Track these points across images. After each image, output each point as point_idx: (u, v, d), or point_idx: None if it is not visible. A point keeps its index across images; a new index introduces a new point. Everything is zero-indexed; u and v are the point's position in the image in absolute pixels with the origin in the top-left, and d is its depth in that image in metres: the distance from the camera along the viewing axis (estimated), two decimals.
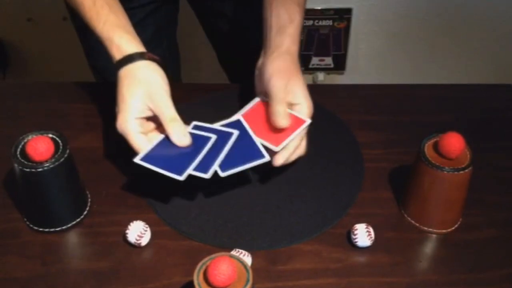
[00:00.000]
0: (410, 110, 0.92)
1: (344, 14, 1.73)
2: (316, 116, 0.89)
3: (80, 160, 0.78)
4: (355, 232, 0.71)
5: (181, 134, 0.73)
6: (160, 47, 1.07)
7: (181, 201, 0.77)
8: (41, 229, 0.73)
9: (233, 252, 0.69)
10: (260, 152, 0.74)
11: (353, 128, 0.88)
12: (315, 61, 1.84)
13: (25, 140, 0.70)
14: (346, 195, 0.78)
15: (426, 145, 0.72)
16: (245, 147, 0.75)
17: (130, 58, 0.75)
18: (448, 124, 0.89)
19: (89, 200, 0.77)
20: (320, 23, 1.76)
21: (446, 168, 0.69)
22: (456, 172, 0.69)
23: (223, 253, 0.59)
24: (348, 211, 0.76)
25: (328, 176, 0.80)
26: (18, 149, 0.69)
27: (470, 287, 0.68)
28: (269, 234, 0.73)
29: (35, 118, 0.90)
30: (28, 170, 0.67)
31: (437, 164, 0.69)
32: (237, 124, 0.78)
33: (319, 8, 1.73)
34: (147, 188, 0.78)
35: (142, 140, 0.73)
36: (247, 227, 0.73)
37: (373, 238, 0.71)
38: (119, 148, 0.83)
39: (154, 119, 0.75)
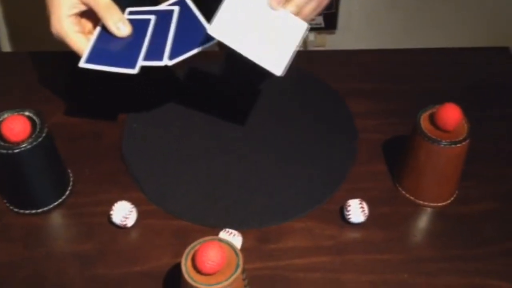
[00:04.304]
0: (406, 77, 0.88)
1: None
2: (306, 85, 0.86)
3: (61, 136, 0.75)
4: (348, 208, 0.69)
5: (119, 21, 0.68)
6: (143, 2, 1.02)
7: (169, 178, 0.74)
8: (22, 211, 0.70)
9: (223, 233, 0.67)
10: (207, 33, 0.66)
11: (346, 97, 0.84)
12: None
13: (0, 120, 0.66)
14: (338, 169, 0.75)
15: (422, 117, 0.69)
16: (191, 30, 0.69)
17: None
18: (445, 91, 0.86)
19: (71, 179, 0.74)
20: None
21: (443, 141, 0.66)
22: (453, 146, 0.66)
23: (212, 237, 0.57)
24: (341, 186, 0.74)
25: (320, 149, 0.77)
26: None
27: (465, 262, 0.67)
28: (259, 212, 0.70)
29: (9, 93, 0.85)
30: (4, 151, 0.64)
31: (434, 137, 0.66)
32: (181, 3, 0.72)
33: None
34: (133, 166, 0.75)
35: (81, 39, 0.68)
36: (237, 206, 0.71)
37: (366, 213, 0.69)
38: (103, 123, 0.79)
39: (90, 17, 0.70)
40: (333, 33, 1.81)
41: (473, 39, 1.81)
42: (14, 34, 1.82)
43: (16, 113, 0.67)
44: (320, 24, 1.79)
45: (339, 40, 1.80)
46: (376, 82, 0.87)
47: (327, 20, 1.78)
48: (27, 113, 0.68)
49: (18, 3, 1.71)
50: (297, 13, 0.65)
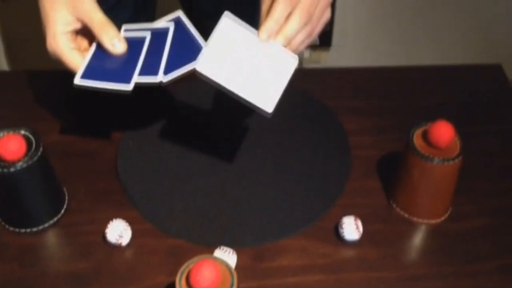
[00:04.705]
0: (399, 94, 0.89)
1: None
2: (300, 102, 0.87)
3: (57, 155, 0.76)
4: (343, 225, 0.69)
5: (114, 38, 0.68)
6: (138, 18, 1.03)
7: (164, 196, 0.74)
8: (17, 230, 0.70)
9: (218, 251, 0.67)
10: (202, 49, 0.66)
11: (340, 114, 0.85)
12: None
13: None
14: (333, 186, 0.76)
15: (415, 134, 0.70)
16: (186, 47, 0.69)
17: None
18: (438, 108, 0.86)
19: (67, 197, 0.74)
20: None
21: (436, 158, 0.67)
22: (446, 163, 0.67)
23: (206, 255, 0.57)
24: (335, 202, 0.74)
25: (314, 166, 0.77)
26: None
27: (460, 279, 0.67)
28: (254, 230, 0.70)
29: (5, 112, 0.85)
30: None
31: (427, 154, 0.67)
32: (176, 21, 0.72)
33: None
34: (128, 183, 0.75)
35: (76, 57, 0.68)
36: (232, 223, 0.71)
37: (361, 231, 0.69)
38: (99, 141, 0.80)
39: (86, 34, 0.70)
40: (328, 50, 1.82)
41: (466, 56, 1.82)
42: (9, 52, 1.82)
43: (11, 132, 0.67)
44: (315, 41, 1.81)
45: (333, 57, 1.82)
46: (369, 99, 0.88)
47: (322, 37, 1.80)
48: (22, 132, 0.68)
49: (13, 21, 1.72)
50: (286, 45, 0.64)
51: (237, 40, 0.62)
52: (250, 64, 0.61)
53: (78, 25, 0.69)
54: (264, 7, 0.65)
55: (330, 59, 1.82)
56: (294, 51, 0.64)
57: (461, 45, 1.83)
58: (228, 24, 0.62)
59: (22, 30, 1.68)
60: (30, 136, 0.68)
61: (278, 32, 0.63)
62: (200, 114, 0.84)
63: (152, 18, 1.09)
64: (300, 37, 0.64)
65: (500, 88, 0.91)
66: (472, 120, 0.85)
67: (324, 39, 1.80)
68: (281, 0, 0.62)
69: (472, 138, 0.78)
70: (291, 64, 0.63)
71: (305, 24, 0.64)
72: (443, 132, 0.67)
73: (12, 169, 0.64)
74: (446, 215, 0.73)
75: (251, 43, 0.62)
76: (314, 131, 0.82)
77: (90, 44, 0.72)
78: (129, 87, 0.65)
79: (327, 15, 0.68)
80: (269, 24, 0.62)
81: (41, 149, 0.67)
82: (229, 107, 0.85)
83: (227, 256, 0.66)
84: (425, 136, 0.69)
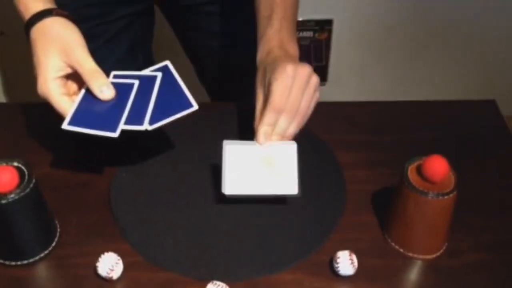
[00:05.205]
0: (393, 129, 0.89)
1: (325, 26, 1.72)
2: (295, 136, 0.86)
3: (49, 187, 0.75)
4: (338, 260, 0.68)
5: (103, 85, 0.71)
6: (135, 63, 1.04)
7: (156, 229, 0.73)
8: (7, 262, 0.69)
9: (210, 285, 0.66)
10: (188, 100, 0.71)
11: (334, 148, 0.85)
12: None
13: None
14: (327, 220, 0.75)
15: (409, 168, 0.70)
16: (172, 96, 0.72)
17: (38, 16, 0.72)
18: (432, 142, 0.87)
19: (58, 229, 0.73)
20: (301, 34, 1.74)
21: (430, 193, 0.66)
22: (440, 197, 0.66)
23: None
24: (330, 236, 0.73)
25: (308, 200, 0.77)
26: None
27: None
28: (248, 264, 0.70)
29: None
30: None
31: (421, 189, 0.67)
32: (164, 70, 0.75)
33: (300, 19, 1.71)
34: (120, 216, 0.74)
35: (66, 102, 0.71)
36: (224, 257, 0.70)
37: (356, 266, 0.68)
38: (92, 173, 0.80)
39: (76, 79, 0.73)
40: (324, 85, 1.84)
41: (461, 93, 1.84)
42: (3, 85, 1.83)
43: (4, 164, 0.67)
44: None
45: (329, 92, 1.83)
46: (363, 133, 0.88)
47: (317, 72, 1.81)
48: (15, 164, 0.68)
49: (8, 54, 1.73)
50: (281, 139, 0.72)
51: (243, 155, 0.72)
52: (262, 167, 0.71)
53: (69, 71, 0.72)
54: (258, 106, 0.74)
55: (325, 94, 1.83)
56: (289, 139, 0.73)
57: (456, 82, 1.85)
58: (230, 148, 0.72)
59: (16, 63, 1.70)
60: (23, 167, 0.68)
61: (272, 133, 0.72)
62: (193, 147, 0.84)
63: (149, 52, 1.10)
64: (292, 129, 0.73)
65: (495, 124, 0.91)
66: (467, 155, 0.85)
67: (320, 74, 1.81)
68: (270, 107, 0.70)
69: (467, 173, 0.77)
70: (292, 149, 0.72)
71: (293, 117, 0.72)
72: (438, 166, 0.67)
73: (3, 201, 0.64)
74: (442, 250, 0.72)
75: (254, 150, 0.72)
76: (308, 164, 0.82)
77: (80, 87, 0.74)
78: (115, 134, 0.68)
79: (316, 96, 0.75)
80: (263, 129, 0.71)
81: (33, 181, 0.66)
82: (221, 140, 0.85)
83: None
84: (419, 170, 0.69)
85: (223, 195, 0.71)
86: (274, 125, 0.71)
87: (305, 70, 0.72)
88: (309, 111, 0.74)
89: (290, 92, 0.71)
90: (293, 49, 0.80)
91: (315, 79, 0.74)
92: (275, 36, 0.79)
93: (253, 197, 0.71)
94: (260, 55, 0.79)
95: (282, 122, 0.72)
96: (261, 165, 0.71)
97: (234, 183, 0.71)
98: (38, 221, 0.69)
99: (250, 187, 0.71)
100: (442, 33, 1.74)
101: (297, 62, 0.73)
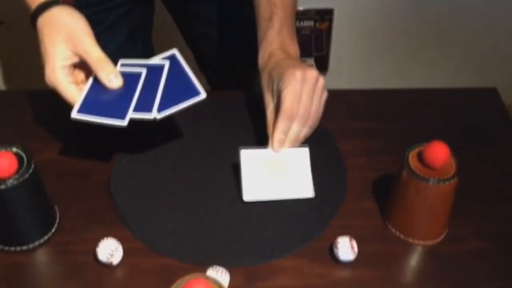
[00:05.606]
0: (394, 116, 0.89)
1: (325, 15, 1.71)
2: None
3: (50, 173, 0.75)
4: (338, 246, 0.68)
5: (111, 74, 0.70)
6: (134, 50, 1.03)
7: (156, 216, 0.73)
8: (6, 248, 0.69)
9: (210, 270, 0.65)
10: (196, 89, 0.70)
11: (335, 136, 0.85)
12: None
13: None
14: (328, 206, 0.75)
15: (410, 154, 0.69)
16: (180, 84, 0.72)
17: (44, 6, 0.72)
18: (433, 130, 0.86)
19: (58, 216, 0.73)
20: (302, 24, 1.73)
21: (431, 179, 0.66)
22: (441, 183, 0.66)
23: (198, 274, 0.56)
24: (330, 223, 0.73)
25: None
26: None
27: None
28: (248, 250, 0.69)
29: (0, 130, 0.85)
30: None
31: (422, 175, 0.66)
32: (172, 58, 0.74)
33: (301, 9, 1.70)
34: (120, 203, 0.74)
35: (74, 91, 0.70)
36: (225, 243, 0.70)
37: (356, 252, 0.68)
38: (92, 160, 0.79)
39: (83, 67, 0.72)
40: (324, 75, 1.83)
41: (462, 80, 1.83)
42: (4, 72, 1.83)
43: (3, 150, 0.67)
44: (312, 66, 1.82)
45: (330, 82, 1.82)
46: (364, 121, 0.88)
47: (318, 62, 1.81)
48: (14, 150, 0.67)
49: (9, 42, 1.73)
50: (296, 143, 0.75)
51: (258, 161, 0.74)
52: (278, 172, 0.74)
53: (76, 60, 0.71)
54: (269, 113, 0.76)
55: (326, 83, 1.83)
56: (302, 141, 0.75)
57: (457, 70, 1.84)
58: (246, 154, 0.73)
59: (17, 50, 1.69)
60: (22, 153, 0.67)
61: (286, 139, 0.74)
62: (194, 134, 0.84)
63: (148, 40, 1.10)
64: (304, 132, 0.75)
65: (496, 111, 0.91)
66: (468, 142, 0.85)
67: (321, 64, 1.81)
68: (283, 114, 0.72)
69: (468, 160, 0.77)
70: (305, 153, 0.75)
71: (306, 122, 0.74)
72: (439, 152, 0.67)
73: (2, 186, 0.64)
74: (442, 236, 0.72)
75: (268, 156, 0.74)
76: (310, 152, 0.82)
77: (87, 76, 0.73)
78: (124, 122, 0.67)
79: (325, 95, 0.77)
80: (277, 137, 0.73)
81: (32, 166, 0.66)
82: (223, 129, 0.85)
83: (220, 275, 0.65)
84: (420, 156, 0.69)
85: (241, 200, 0.73)
86: (287, 132, 0.74)
87: (313, 74, 0.74)
88: (320, 112, 0.76)
89: (300, 98, 0.73)
90: (294, 50, 0.81)
91: (321, 81, 0.76)
92: (276, 38, 0.79)
93: (271, 200, 0.74)
94: (262, 58, 0.80)
95: (295, 127, 0.74)
96: (276, 170, 0.74)
97: (252, 189, 0.73)
98: (37, 207, 0.69)
99: (268, 192, 0.73)
100: (442, 22, 1.73)
101: (302, 66, 0.74)
